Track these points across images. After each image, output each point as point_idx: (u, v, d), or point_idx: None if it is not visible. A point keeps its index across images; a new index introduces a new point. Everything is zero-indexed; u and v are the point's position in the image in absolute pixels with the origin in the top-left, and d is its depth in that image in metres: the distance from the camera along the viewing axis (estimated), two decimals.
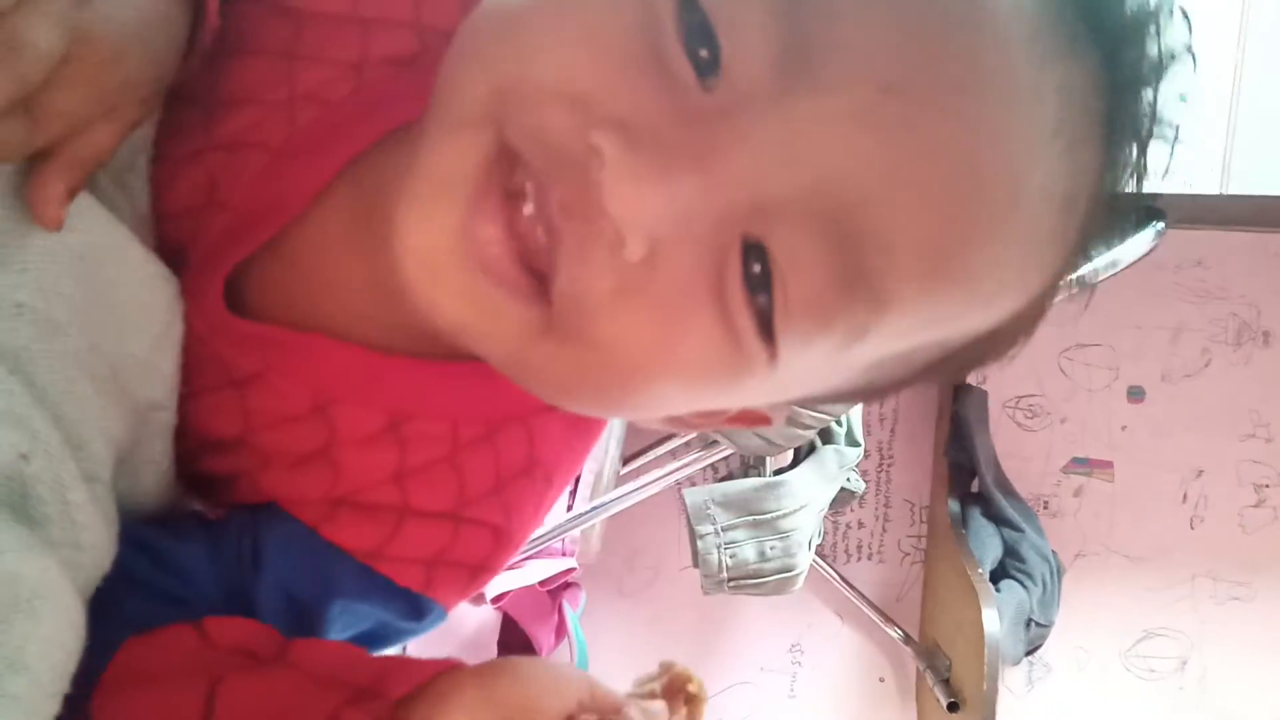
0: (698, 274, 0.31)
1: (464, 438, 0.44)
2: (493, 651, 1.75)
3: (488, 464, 0.44)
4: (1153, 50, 0.34)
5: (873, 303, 0.32)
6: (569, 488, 1.43)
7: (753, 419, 0.42)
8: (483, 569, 0.46)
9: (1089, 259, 0.36)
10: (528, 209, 0.32)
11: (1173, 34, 0.34)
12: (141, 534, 0.42)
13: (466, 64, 0.33)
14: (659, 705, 0.39)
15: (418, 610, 0.46)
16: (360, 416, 0.43)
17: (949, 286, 0.32)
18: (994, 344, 0.37)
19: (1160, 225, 1.32)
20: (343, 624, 0.46)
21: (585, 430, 0.46)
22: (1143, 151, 0.35)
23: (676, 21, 0.30)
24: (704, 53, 0.30)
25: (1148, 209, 1.36)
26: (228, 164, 0.41)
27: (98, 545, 0.36)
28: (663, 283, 0.31)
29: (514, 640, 1.69)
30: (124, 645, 0.38)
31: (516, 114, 0.31)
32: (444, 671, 0.37)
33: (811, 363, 0.34)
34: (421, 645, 1.71)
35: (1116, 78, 0.33)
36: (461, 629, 1.74)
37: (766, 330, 0.32)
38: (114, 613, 0.39)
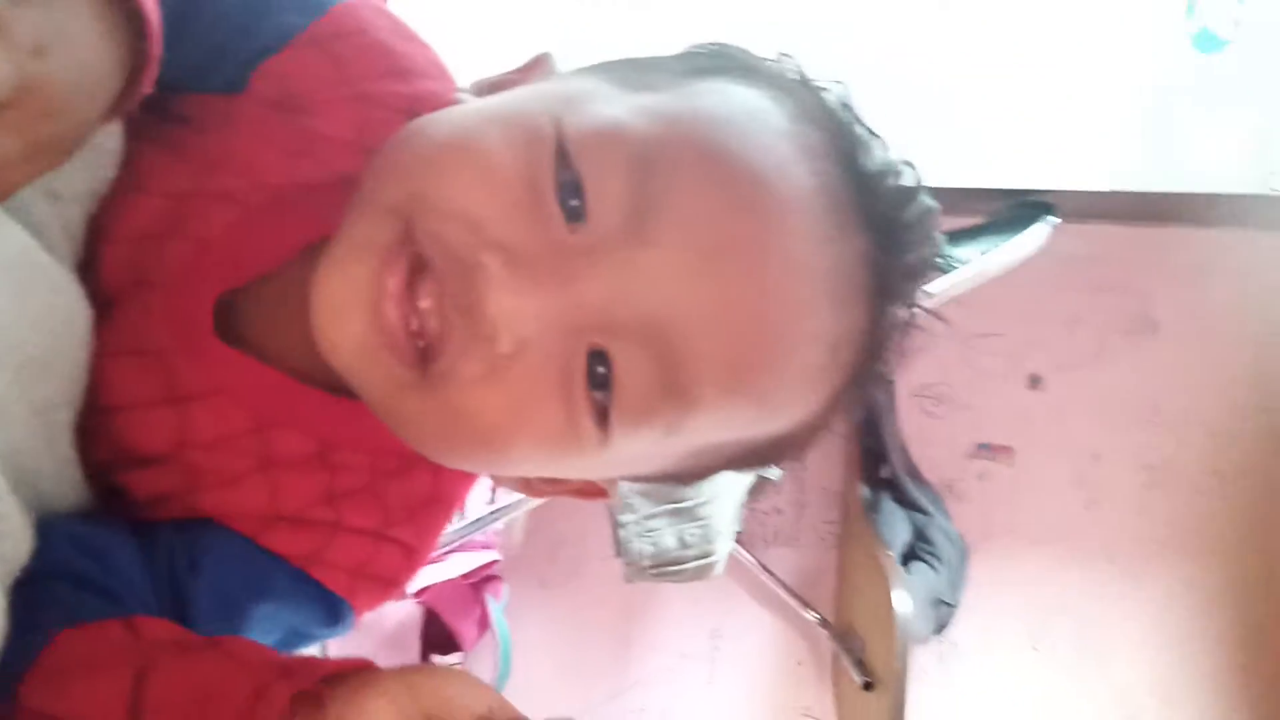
0: (549, 370, 0.40)
1: (381, 469, 0.50)
2: (415, 646, 1.74)
3: (402, 493, 0.50)
4: (911, 239, 0.44)
5: (684, 406, 0.41)
6: (490, 482, 1.44)
7: (593, 491, 0.51)
8: (393, 583, 0.52)
9: (862, 391, 0.47)
10: (424, 302, 0.40)
11: (929, 224, 0.45)
12: (74, 527, 0.44)
13: (390, 170, 0.42)
14: None
15: (336, 615, 0.51)
16: (294, 441, 0.48)
17: (742, 399, 0.42)
18: (790, 444, 0.47)
19: (1054, 220, 1.38)
20: (260, 630, 0.49)
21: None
22: (901, 312, 0.45)
23: (554, 176, 0.39)
24: (574, 202, 0.39)
25: (1040, 203, 1.42)
26: (205, 208, 0.46)
27: (14, 534, 0.37)
28: (520, 373, 0.39)
29: (436, 634, 1.69)
30: (55, 637, 0.40)
31: (423, 219, 0.39)
32: (363, 665, 0.39)
33: (638, 449, 0.43)
34: (345, 639, 1.69)
35: (886, 258, 0.43)
36: (383, 624, 1.73)
37: (602, 419, 0.41)
38: (44, 603, 0.41)
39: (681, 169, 0.40)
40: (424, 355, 0.40)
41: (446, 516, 0.53)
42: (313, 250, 0.45)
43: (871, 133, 0.46)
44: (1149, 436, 1.83)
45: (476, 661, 1.65)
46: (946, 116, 1.36)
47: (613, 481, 0.51)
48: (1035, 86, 1.40)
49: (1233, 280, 1.79)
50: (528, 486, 0.51)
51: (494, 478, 0.54)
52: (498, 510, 1.35)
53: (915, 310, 0.46)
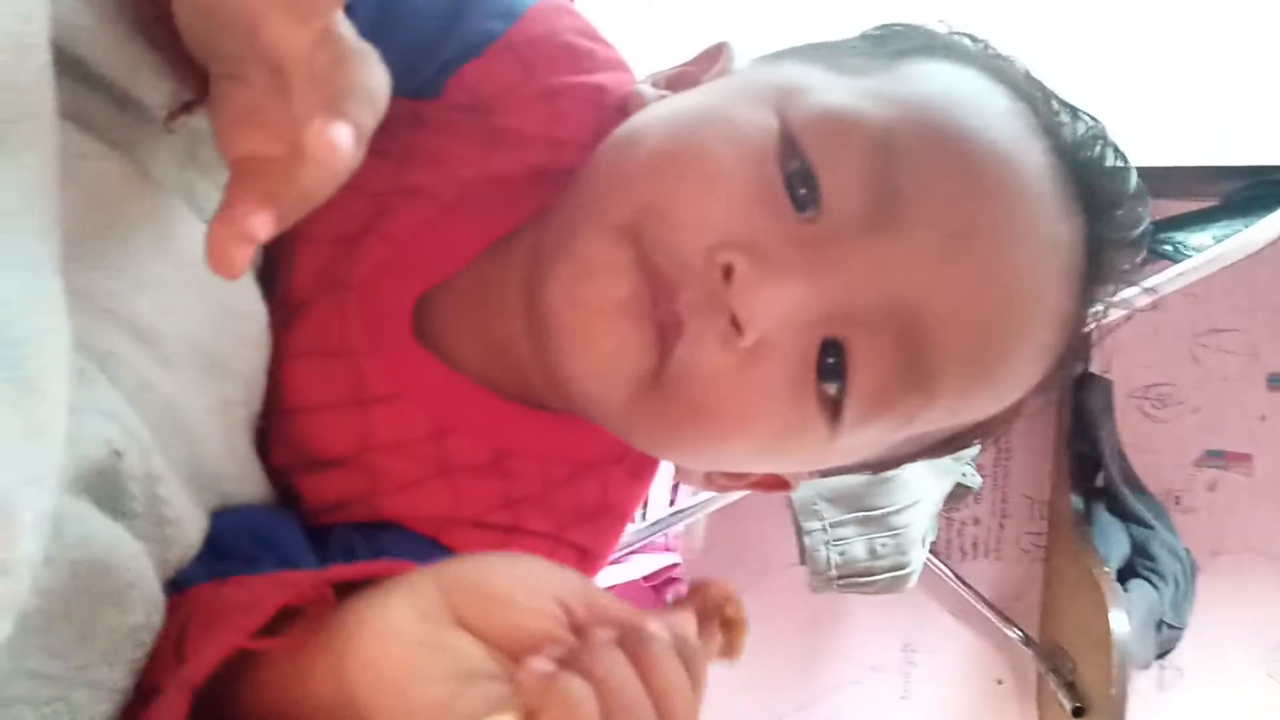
0: (787, 363, 0.41)
1: (553, 477, 0.50)
2: None
3: (572, 501, 0.51)
4: (1124, 220, 0.45)
5: (927, 394, 0.42)
6: (670, 482, 1.43)
7: (775, 484, 0.52)
8: None
9: (1065, 371, 0.47)
10: (664, 311, 0.41)
11: (1139, 199, 0.46)
12: (247, 516, 0.44)
13: (611, 183, 0.43)
14: (686, 620, 0.33)
15: None
16: (470, 448, 0.48)
17: (982, 386, 0.43)
18: (989, 428, 0.48)
19: None
20: None
21: (645, 474, 0.54)
22: (1108, 294, 0.47)
23: (781, 168, 0.40)
24: (803, 191, 0.40)
25: None
26: (399, 205, 0.47)
27: (183, 540, 0.37)
28: (759, 367, 0.40)
29: None
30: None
31: (655, 232, 0.40)
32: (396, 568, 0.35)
33: (862, 440, 0.44)
34: None
35: (1099, 236, 0.45)
36: None
37: (833, 411, 0.41)
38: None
39: (921, 152, 0.40)
40: (663, 357, 0.41)
41: (619, 524, 0.54)
42: (500, 245, 0.47)
43: (1071, 107, 0.46)
44: None
45: None
46: (1177, 90, 1.25)
47: (797, 474, 0.52)
48: (1276, 53, 1.27)
49: None
50: (709, 481, 0.52)
51: (679, 472, 0.53)
52: (678, 512, 1.34)
53: (1125, 291, 0.47)
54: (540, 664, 0.29)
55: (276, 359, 0.46)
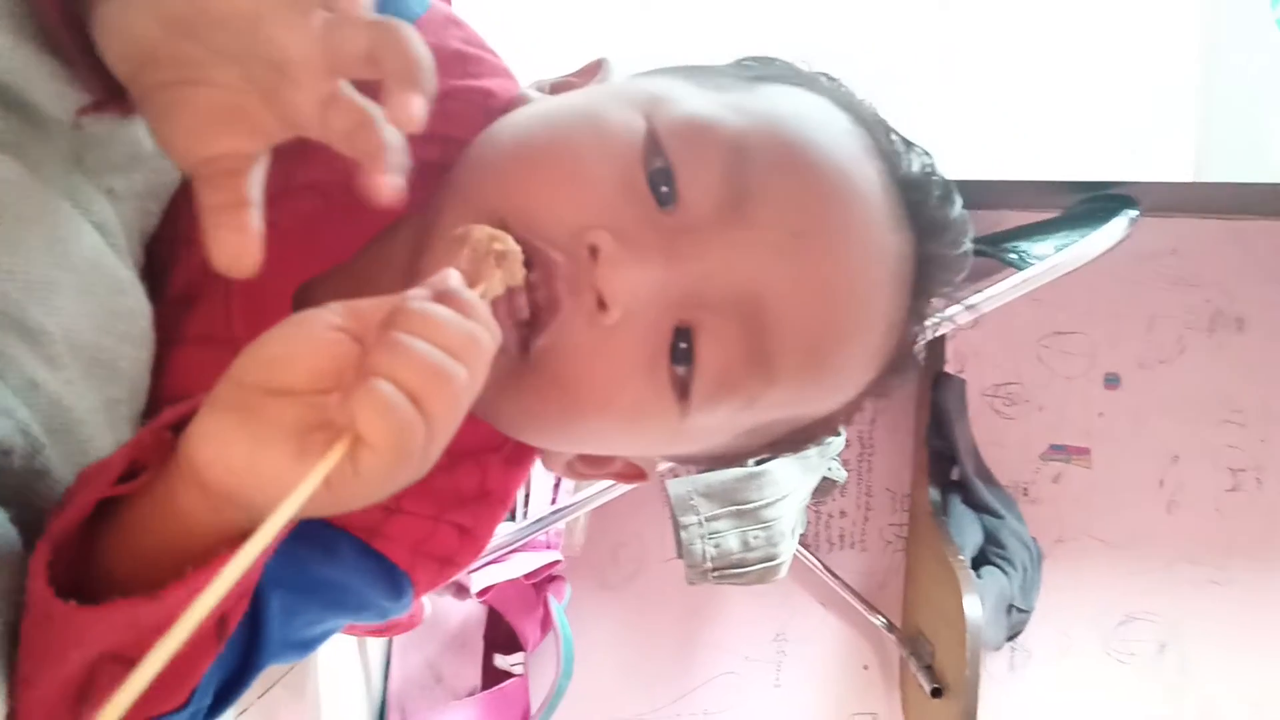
0: (645, 343, 0.43)
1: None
2: (478, 646, 1.75)
3: (451, 485, 0.53)
4: (949, 240, 0.49)
5: (766, 378, 0.45)
6: (551, 481, 1.44)
7: (633, 473, 0.54)
8: (451, 563, 0.55)
9: (894, 379, 0.51)
10: (531, 288, 0.42)
11: (965, 225, 0.50)
12: None
13: (485, 169, 0.45)
14: (448, 275, 0.35)
15: (398, 588, 0.53)
16: None
17: (816, 374, 0.46)
18: (826, 426, 0.51)
19: (1133, 213, 1.34)
20: (330, 597, 0.51)
21: (523, 462, 0.56)
22: (934, 308, 0.51)
23: (645, 165, 0.43)
24: (664, 189, 0.43)
25: (1119, 196, 1.38)
26: (292, 202, 0.49)
27: None
28: (619, 344, 0.43)
29: (500, 634, 1.70)
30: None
31: (524, 213, 0.42)
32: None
33: (711, 422, 0.46)
34: (408, 640, 1.71)
35: (926, 252, 0.48)
36: (447, 624, 1.74)
37: (683, 393, 0.44)
38: None
39: (771, 158, 0.44)
40: (526, 338, 0.43)
41: (499, 509, 0.56)
42: (382, 237, 0.48)
43: (907, 141, 0.50)
44: (1233, 437, 1.78)
45: (539, 661, 1.66)
46: (1022, 109, 1.33)
47: (653, 464, 0.54)
48: (1114, 75, 1.37)
49: None
50: (571, 470, 0.54)
51: (544, 457, 0.55)
52: (559, 510, 1.35)
53: (950, 303, 0.51)
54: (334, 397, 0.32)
55: (164, 350, 0.47)
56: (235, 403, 0.33)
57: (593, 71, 0.52)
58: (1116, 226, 1.32)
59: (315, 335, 0.34)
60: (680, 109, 0.44)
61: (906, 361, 0.51)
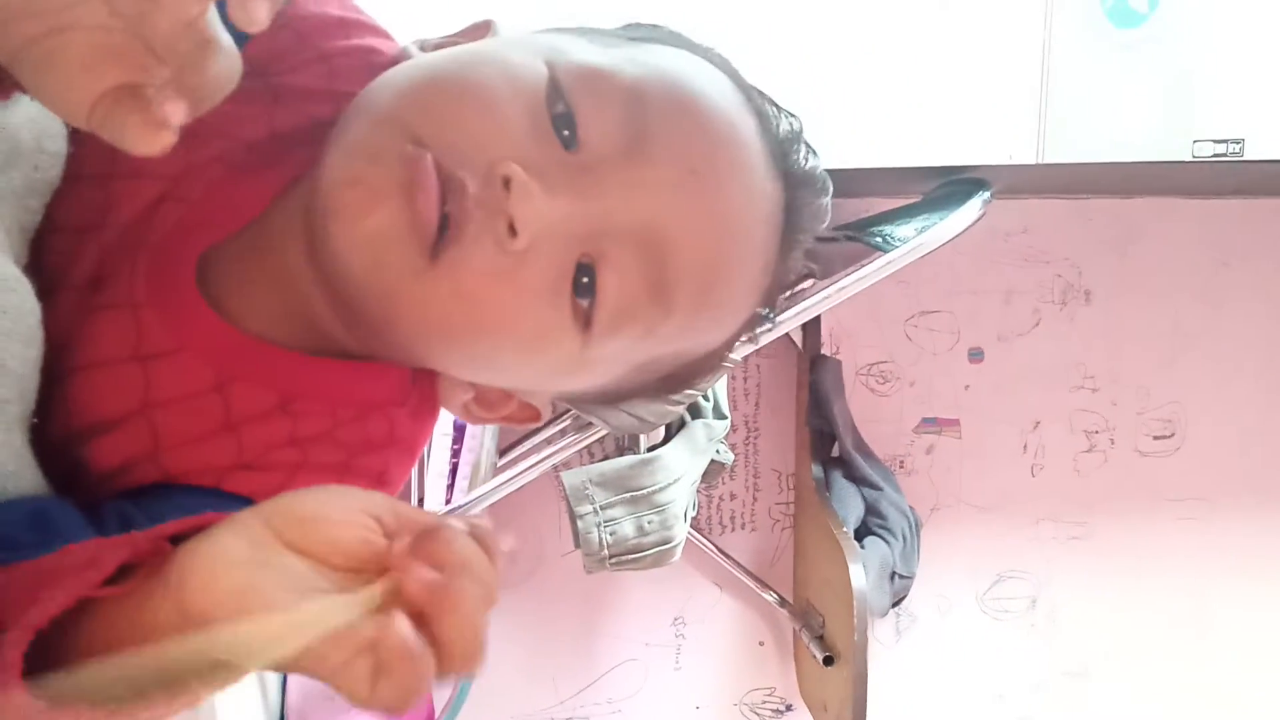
0: (549, 272, 0.45)
1: (341, 417, 0.52)
2: None
3: (360, 434, 0.53)
4: (813, 192, 0.53)
5: (664, 308, 0.47)
6: (445, 481, 1.44)
7: (528, 415, 0.55)
8: None
9: (763, 322, 0.54)
10: (450, 200, 0.43)
11: (826, 181, 0.54)
12: (26, 506, 0.43)
13: (391, 99, 0.45)
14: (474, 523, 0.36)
15: None
16: (254, 395, 0.50)
17: (707, 304, 0.49)
18: (706, 364, 0.54)
19: (986, 194, 1.42)
20: None
21: (428, 415, 0.57)
22: (797, 250, 0.53)
23: (548, 109, 0.45)
24: (566, 132, 0.45)
25: (974, 179, 1.46)
26: (198, 175, 0.49)
27: None
28: (526, 270, 0.44)
29: None
30: None
31: (439, 138, 0.43)
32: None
33: (608, 353, 0.48)
34: None
35: (794, 202, 0.52)
36: None
37: (585, 323, 0.46)
38: None
39: (667, 104, 0.46)
40: (437, 245, 0.43)
41: (409, 457, 0.56)
42: (284, 196, 0.49)
43: (778, 105, 0.53)
44: (1085, 401, 1.89)
45: None
46: (879, 98, 1.39)
47: (546, 404, 0.56)
48: (964, 65, 1.44)
49: (1157, 246, 1.86)
50: (467, 411, 0.55)
51: (442, 393, 0.55)
52: (454, 510, 1.35)
53: (811, 251, 0.55)
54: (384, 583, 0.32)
55: (76, 327, 0.46)
56: (252, 537, 0.33)
57: (480, 32, 0.53)
58: (972, 208, 1.39)
59: (353, 515, 0.34)
60: (579, 58, 0.46)
61: (774, 301, 0.54)
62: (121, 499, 0.47)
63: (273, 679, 1.67)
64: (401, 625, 0.32)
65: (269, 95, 0.50)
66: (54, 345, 0.47)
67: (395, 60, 0.51)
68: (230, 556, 0.32)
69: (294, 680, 1.71)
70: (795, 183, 0.52)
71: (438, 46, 0.52)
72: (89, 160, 0.48)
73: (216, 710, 1.37)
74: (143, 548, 0.35)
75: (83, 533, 0.44)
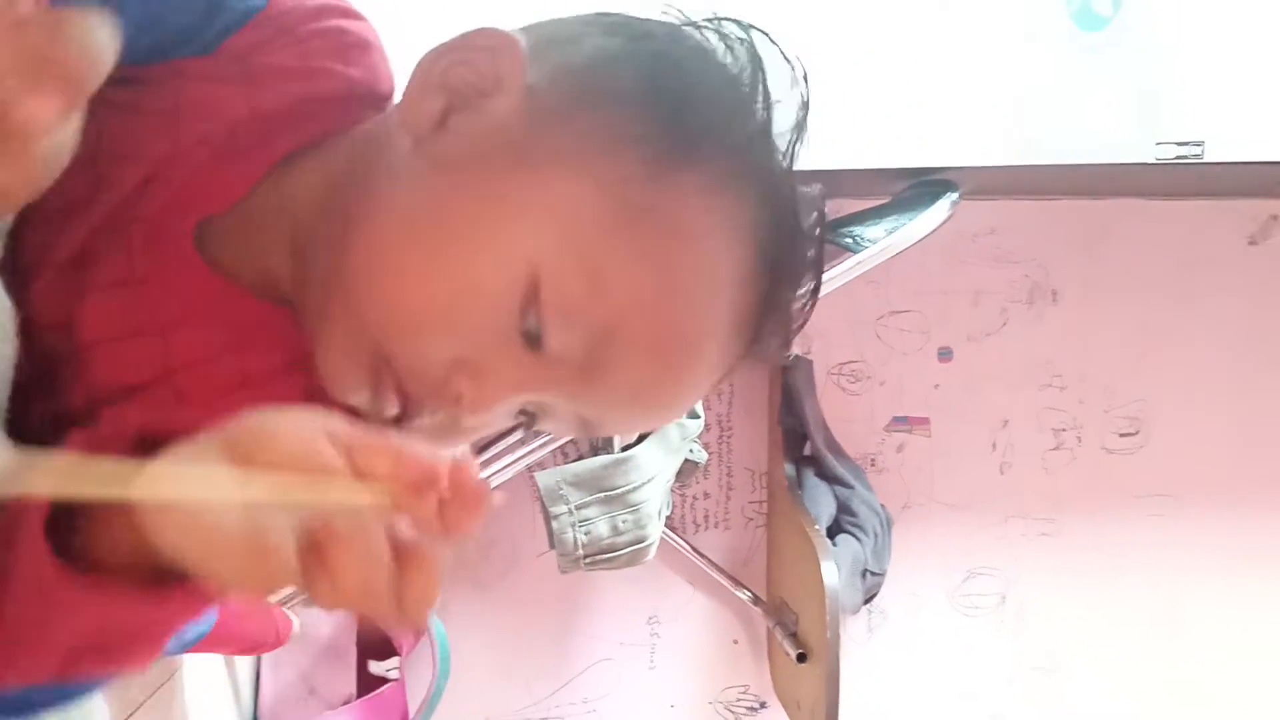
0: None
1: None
2: (351, 654, 1.73)
3: None
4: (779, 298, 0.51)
5: (596, 426, 0.51)
6: None
7: None
8: None
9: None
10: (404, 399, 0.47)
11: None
12: None
13: (371, 310, 0.46)
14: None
15: None
16: (267, 357, 0.52)
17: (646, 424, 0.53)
18: None
19: (954, 195, 1.43)
20: None
21: None
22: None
23: (519, 320, 0.46)
24: (531, 337, 0.46)
25: (942, 181, 1.47)
26: (180, 157, 0.50)
27: None
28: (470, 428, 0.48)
29: (372, 641, 1.68)
30: None
31: (401, 360, 0.46)
32: None
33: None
34: (277, 655, 1.67)
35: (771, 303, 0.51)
36: (319, 633, 1.72)
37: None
38: None
39: (630, 348, 0.47)
40: (399, 418, 0.47)
41: None
42: (277, 171, 0.51)
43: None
44: (1053, 400, 1.91)
45: (415, 666, 1.65)
46: (849, 100, 1.40)
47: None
48: (932, 68, 1.45)
49: (1123, 246, 1.88)
50: None
51: None
52: None
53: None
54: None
55: (73, 306, 0.48)
56: (203, 453, 0.35)
57: (502, 57, 0.49)
58: (940, 209, 1.40)
59: (305, 429, 0.36)
60: (557, 285, 0.45)
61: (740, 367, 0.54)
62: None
63: (245, 687, 1.66)
64: (390, 526, 0.35)
65: (246, 77, 0.51)
66: (48, 325, 0.48)
67: (362, 43, 0.52)
68: (184, 473, 0.34)
69: (266, 682, 1.70)
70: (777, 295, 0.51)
71: (452, 91, 0.50)
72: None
73: (189, 712, 1.37)
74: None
75: None
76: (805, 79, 0.52)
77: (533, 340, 0.46)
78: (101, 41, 0.30)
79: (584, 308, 0.45)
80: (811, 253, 0.52)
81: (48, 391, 0.49)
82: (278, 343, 0.51)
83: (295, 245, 0.50)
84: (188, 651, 1.15)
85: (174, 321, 0.50)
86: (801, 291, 0.52)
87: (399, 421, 0.47)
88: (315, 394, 0.52)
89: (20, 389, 0.47)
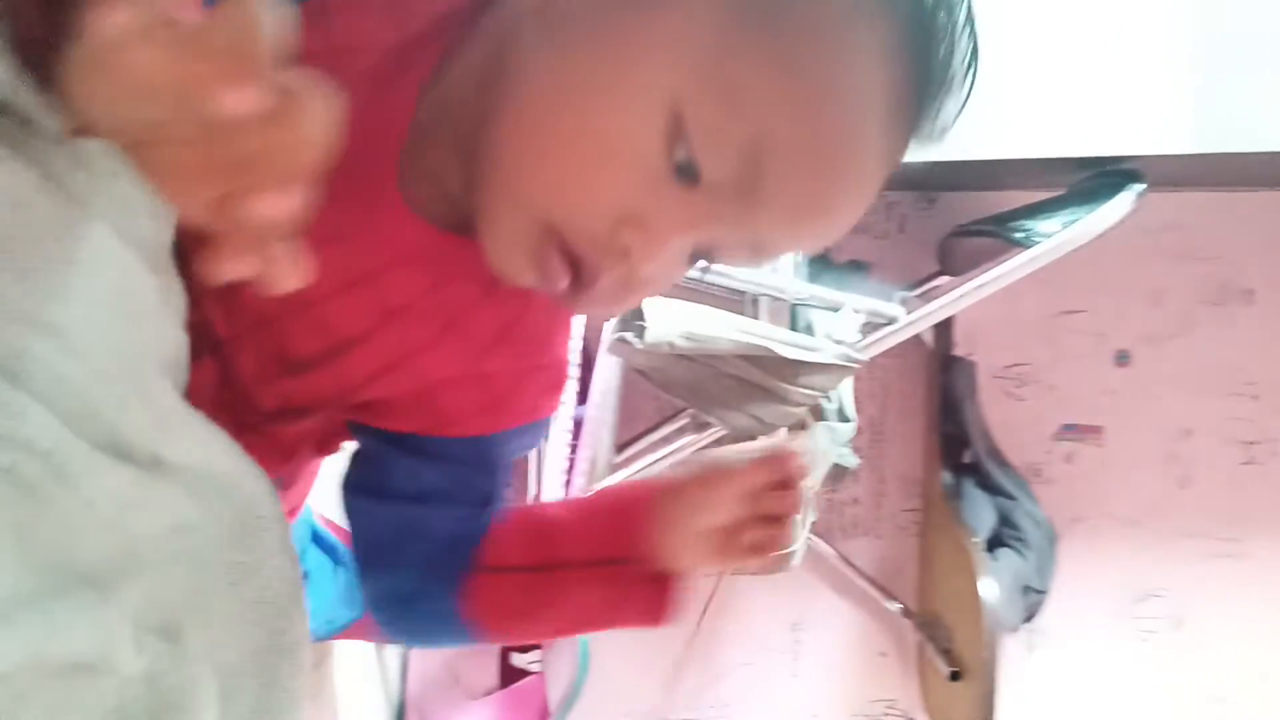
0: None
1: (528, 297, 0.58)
2: (494, 647, 1.75)
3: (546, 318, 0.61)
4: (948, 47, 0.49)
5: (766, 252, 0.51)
6: (563, 477, 1.43)
7: None
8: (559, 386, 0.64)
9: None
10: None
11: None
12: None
13: (517, 207, 0.48)
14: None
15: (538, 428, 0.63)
16: (466, 289, 0.55)
17: (812, 243, 0.53)
18: None
19: (1139, 187, 1.33)
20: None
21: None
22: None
23: (668, 156, 0.46)
24: (686, 171, 0.46)
25: (1125, 171, 1.37)
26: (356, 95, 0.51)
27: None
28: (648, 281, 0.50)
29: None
30: None
31: (564, 220, 0.47)
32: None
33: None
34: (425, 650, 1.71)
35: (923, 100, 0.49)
36: None
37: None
38: None
39: (784, 159, 0.46)
40: (573, 287, 0.49)
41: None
42: (428, 83, 0.52)
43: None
44: (1244, 409, 1.78)
45: (556, 659, 1.66)
46: (1023, 86, 1.32)
47: None
48: (1111, 51, 1.36)
49: None
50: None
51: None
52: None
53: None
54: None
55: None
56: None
57: None
58: (1123, 201, 1.32)
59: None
60: (702, 105, 0.45)
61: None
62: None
63: (394, 673, 1.70)
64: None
65: (391, 3, 0.52)
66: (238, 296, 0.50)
67: None
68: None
69: (414, 670, 1.74)
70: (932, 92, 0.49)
71: None
72: None
73: (338, 703, 1.40)
74: None
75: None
76: None
77: (687, 174, 0.46)
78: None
79: (729, 126, 0.45)
80: (962, 13, 0.49)
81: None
82: (473, 274, 0.52)
83: (462, 155, 0.50)
84: (338, 638, 1.17)
85: (380, 268, 0.53)
86: (961, 55, 0.49)
87: (575, 291, 0.48)
88: (508, 323, 0.56)
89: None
